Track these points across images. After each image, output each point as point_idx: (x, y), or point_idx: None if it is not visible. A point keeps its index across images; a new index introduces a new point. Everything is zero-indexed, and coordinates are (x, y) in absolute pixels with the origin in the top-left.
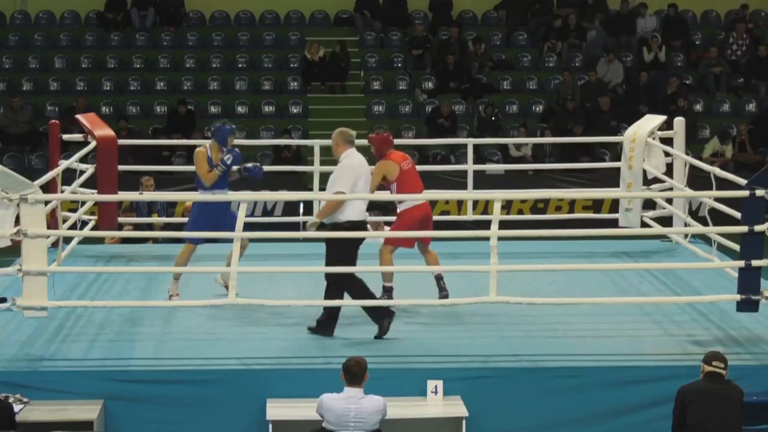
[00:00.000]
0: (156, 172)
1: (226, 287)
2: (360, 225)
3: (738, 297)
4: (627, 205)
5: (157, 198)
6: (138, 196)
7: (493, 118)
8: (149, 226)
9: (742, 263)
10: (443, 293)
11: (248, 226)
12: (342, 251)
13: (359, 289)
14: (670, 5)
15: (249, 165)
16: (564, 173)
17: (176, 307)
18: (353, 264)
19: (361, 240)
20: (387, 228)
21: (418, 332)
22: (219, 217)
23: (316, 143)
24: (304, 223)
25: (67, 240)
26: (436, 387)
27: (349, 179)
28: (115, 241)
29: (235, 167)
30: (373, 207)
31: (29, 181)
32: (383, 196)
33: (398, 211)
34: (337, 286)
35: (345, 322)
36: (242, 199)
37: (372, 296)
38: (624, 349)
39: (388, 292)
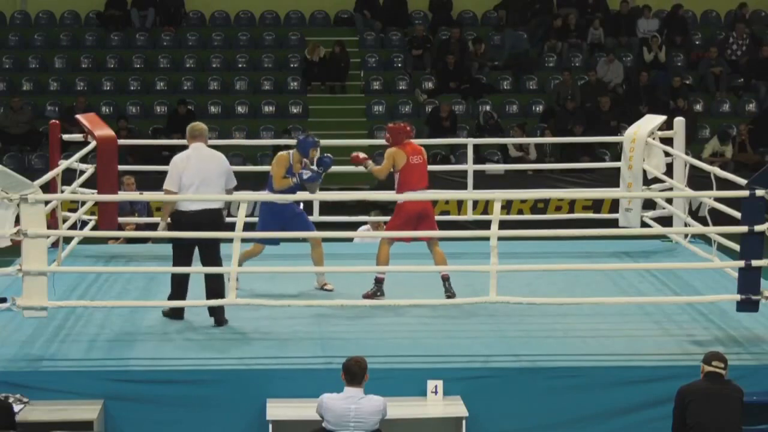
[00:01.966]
0: (156, 172)
1: (322, 287)
2: (190, 215)
3: (738, 297)
4: (627, 205)
5: (160, 198)
6: (138, 195)
7: (492, 122)
8: (147, 226)
9: (742, 263)
10: (448, 294)
11: (249, 226)
12: (174, 244)
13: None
14: (674, 5)
15: (320, 156)
16: (564, 173)
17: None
18: (184, 252)
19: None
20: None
21: (418, 332)
22: (287, 218)
23: None
24: None
25: (67, 240)
26: (436, 387)
27: (172, 174)
28: (120, 242)
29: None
30: (373, 206)
31: (29, 181)
32: (380, 195)
33: (397, 203)
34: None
35: (345, 320)
36: (242, 199)
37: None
38: (624, 349)
39: (379, 283)
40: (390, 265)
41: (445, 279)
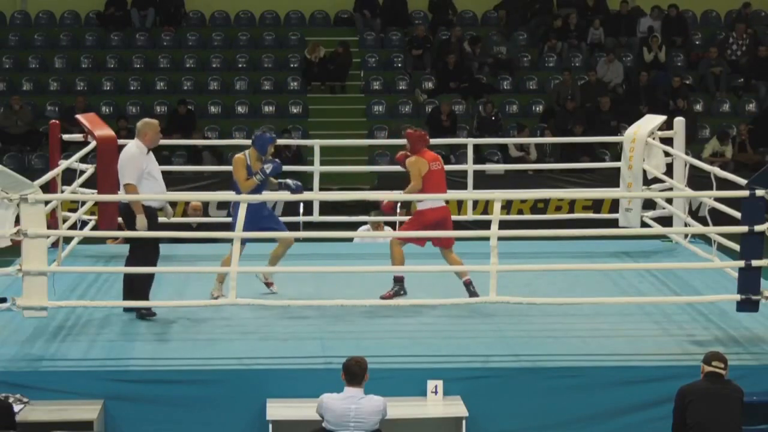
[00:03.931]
0: None
1: (267, 284)
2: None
3: (738, 297)
4: (627, 205)
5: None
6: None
7: (493, 117)
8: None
9: (742, 263)
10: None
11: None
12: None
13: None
14: (670, 6)
15: (290, 182)
16: (564, 173)
17: (176, 307)
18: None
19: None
20: (387, 228)
21: (418, 332)
22: (258, 217)
23: (316, 143)
24: (305, 223)
25: (67, 240)
26: (436, 387)
27: None
28: (119, 242)
29: (275, 180)
30: (373, 207)
31: (29, 181)
32: (380, 195)
33: (416, 209)
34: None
35: (345, 320)
36: (242, 199)
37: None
38: (624, 349)
39: (399, 282)
40: (400, 258)
41: (468, 284)
